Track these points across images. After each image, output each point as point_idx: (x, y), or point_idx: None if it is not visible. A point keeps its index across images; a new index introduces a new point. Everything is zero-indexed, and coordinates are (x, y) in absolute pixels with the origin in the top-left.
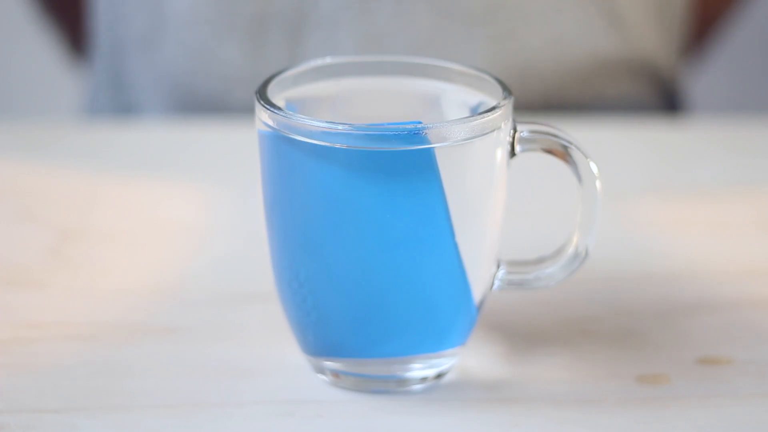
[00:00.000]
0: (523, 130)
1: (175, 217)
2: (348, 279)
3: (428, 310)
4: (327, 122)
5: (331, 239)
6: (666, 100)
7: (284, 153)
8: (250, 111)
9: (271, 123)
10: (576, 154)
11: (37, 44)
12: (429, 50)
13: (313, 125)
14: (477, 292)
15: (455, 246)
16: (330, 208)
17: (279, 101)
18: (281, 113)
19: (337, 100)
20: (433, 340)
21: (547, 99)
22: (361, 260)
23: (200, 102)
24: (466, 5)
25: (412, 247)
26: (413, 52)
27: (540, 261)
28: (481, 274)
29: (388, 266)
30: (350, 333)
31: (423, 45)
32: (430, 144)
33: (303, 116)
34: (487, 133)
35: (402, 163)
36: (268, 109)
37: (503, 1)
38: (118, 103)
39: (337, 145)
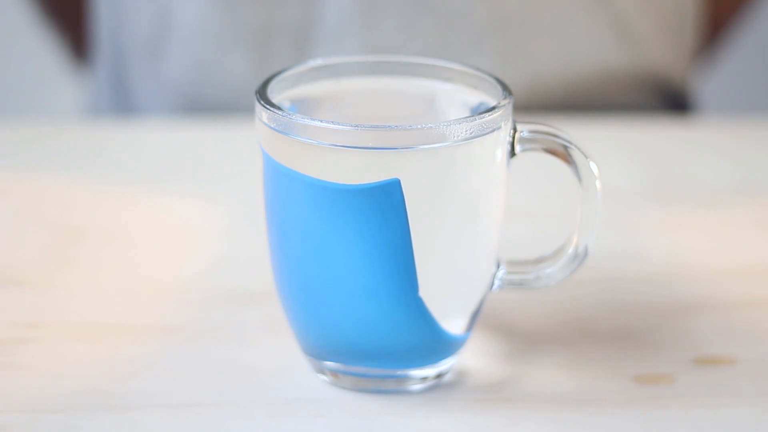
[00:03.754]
0: (523, 130)
1: (175, 217)
2: (344, 283)
3: (400, 337)
4: (327, 122)
5: (330, 242)
6: (674, 107)
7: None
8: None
9: (271, 123)
10: (576, 154)
11: (39, 46)
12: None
13: (313, 125)
14: (467, 305)
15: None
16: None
17: (279, 101)
18: (281, 113)
19: (337, 100)
20: (421, 360)
21: (554, 112)
22: (360, 266)
23: (205, 112)
24: (471, 18)
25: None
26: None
27: (540, 261)
28: (481, 274)
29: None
30: (347, 339)
31: (429, 57)
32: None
33: (303, 116)
34: (487, 133)
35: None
36: (268, 109)
37: (510, 14)
38: (120, 108)
39: (338, 146)
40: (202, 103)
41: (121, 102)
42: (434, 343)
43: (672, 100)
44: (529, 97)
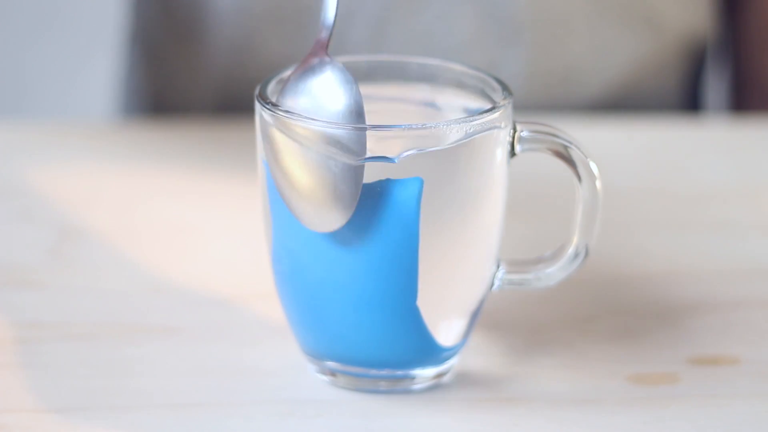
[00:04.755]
0: (523, 129)
1: (175, 217)
2: (343, 288)
3: (395, 346)
4: (327, 122)
5: (330, 240)
6: (701, 70)
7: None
8: None
9: (270, 123)
10: (576, 154)
11: (44, 44)
12: (473, 52)
13: (312, 125)
14: (466, 305)
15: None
16: None
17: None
18: (281, 113)
19: None
20: (417, 365)
21: (590, 104)
22: (362, 271)
23: (243, 93)
24: (511, 9)
25: (382, 265)
26: (457, 52)
27: (540, 261)
28: (481, 275)
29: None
30: (347, 336)
31: (467, 46)
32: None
33: (303, 116)
34: (487, 133)
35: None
36: (268, 109)
37: (549, 6)
38: (153, 104)
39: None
40: (240, 88)
41: (155, 97)
42: (427, 354)
43: (698, 64)
44: (564, 89)
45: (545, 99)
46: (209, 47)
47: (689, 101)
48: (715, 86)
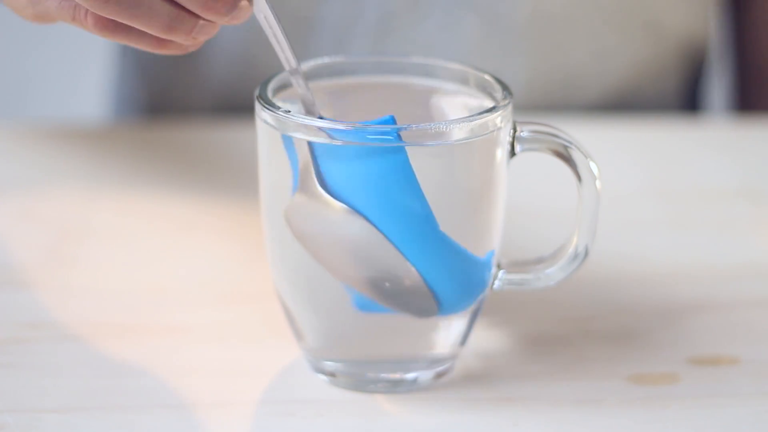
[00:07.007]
0: (523, 129)
1: (175, 217)
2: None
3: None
4: (326, 121)
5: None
6: (700, 76)
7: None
8: None
9: (271, 123)
10: (576, 154)
11: (43, 44)
12: (474, 61)
13: (312, 125)
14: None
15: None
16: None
17: (279, 101)
18: (281, 113)
19: (337, 99)
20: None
21: (590, 109)
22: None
23: (242, 106)
24: (513, 18)
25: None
26: (459, 61)
27: (540, 261)
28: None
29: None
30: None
31: (469, 55)
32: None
33: (303, 116)
34: (487, 133)
35: (383, 163)
36: (268, 109)
37: (550, 14)
38: (146, 93)
39: (336, 144)
40: (238, 99)
41: (149, 106)
42: (464, 272)
43: (698, 68)
44: (564, 96)
45: (546, 105)
46: (207, 59)
47: (689, 105)
48: (717, 86)
